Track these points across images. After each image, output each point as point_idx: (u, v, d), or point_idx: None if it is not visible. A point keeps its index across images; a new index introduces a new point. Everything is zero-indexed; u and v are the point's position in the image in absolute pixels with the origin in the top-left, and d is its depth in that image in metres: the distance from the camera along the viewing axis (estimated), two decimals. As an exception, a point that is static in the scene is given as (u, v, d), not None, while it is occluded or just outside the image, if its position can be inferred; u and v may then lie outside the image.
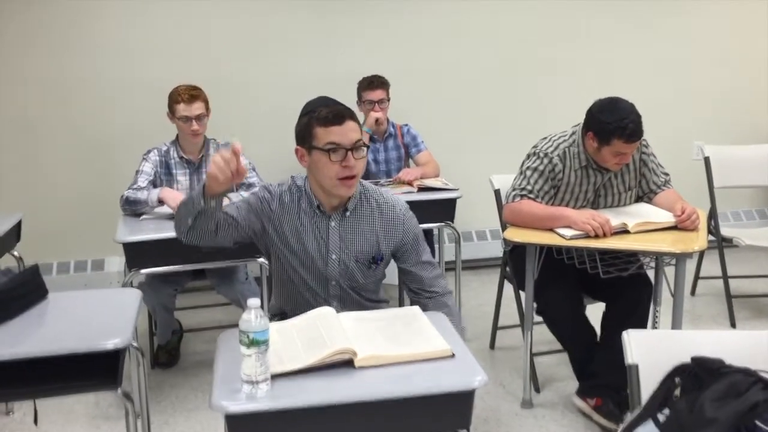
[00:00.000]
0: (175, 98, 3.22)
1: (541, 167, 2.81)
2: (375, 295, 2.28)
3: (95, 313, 2.07)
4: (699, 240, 2.60)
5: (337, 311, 1.99)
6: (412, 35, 4.44)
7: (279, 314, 2.30)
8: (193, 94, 3.21)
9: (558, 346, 3.00)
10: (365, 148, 2.06)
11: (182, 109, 3.19)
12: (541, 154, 2.83)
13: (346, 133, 2.01)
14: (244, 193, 3.25)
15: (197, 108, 3.20)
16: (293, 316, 2.10)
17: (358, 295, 2.21)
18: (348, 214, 2.15)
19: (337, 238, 2.15)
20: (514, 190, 2.85)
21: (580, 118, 2.88)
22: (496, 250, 4.31)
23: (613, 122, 2.66)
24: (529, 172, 2.83)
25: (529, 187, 2.80)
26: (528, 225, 2.77)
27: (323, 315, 1.86)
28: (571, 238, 2.63)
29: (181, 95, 3.20)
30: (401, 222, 2.20)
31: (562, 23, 4.68)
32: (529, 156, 2.90)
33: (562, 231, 2.67)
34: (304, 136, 2.06)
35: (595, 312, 2.99)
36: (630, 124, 2.65)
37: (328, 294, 2.18)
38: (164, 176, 3.27)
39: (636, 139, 2.69)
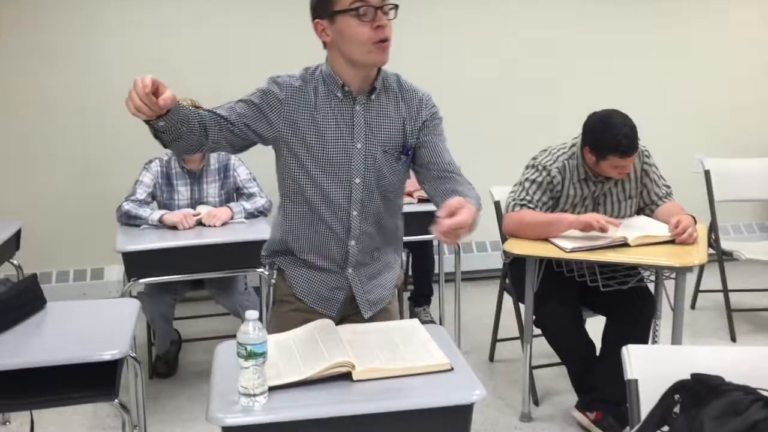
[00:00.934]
0: None
1: (539, 179, 2.81)
2: (396, 201, 2.01)
3: (93, 323, 2.07)
4: (699, 254, 2.59)
5: (356, 225, 1.91)
6: (412, 48, 4.43)
7: (282, 252, 2.00)
8: None
9: (557, 359, 2.99)
10: (394, 10, 1.77)
11: None
12: (540, 167, 2.83)
13: None
14: (245, 204, 3.27)
15: None
16: (300, 253, 1.96)
17: (382, 199, 1.93)
18: (374, 96, 1.88)
19: (362, 122, 1.87)
20: (513, 201, 2.84)
21: (580, 131, 2.88)
22: (496, 261, 4.30)
23: (607, 138, 2.67)
24: (527, 184, 2.83)
25: (528, 198, 2.80)
26: (529, 234, 2.76)
27: (322, 327, 1.85)
28: (572, 250, 2.63)
29: None
30: (425, 106, 1.96)
31: (563, 38, 4.70)
32: (528, 167, 2.90)
33: (562, 243, 2.67)
34: (323, 6, 1.77)
35: (595, 325, 2.98)
36: (623, 140, 2.65)
37: (349, 200, 1.89)
38: (165, 186, 3.26)
39: (631, 153, 2.69)
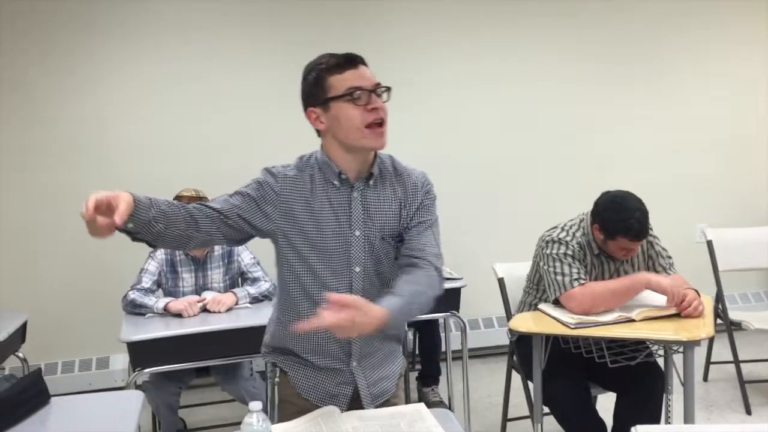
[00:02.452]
0: None
1: (569, 252, 2.79)
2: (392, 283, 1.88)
3: (96, 418, 2.04)
4: (705, 327, 2.57)
5: None
6: (415, 124, 4.54)
7: (281, 350, 1.95)
8: None
9: (570, 438, 2.94)
10: (387, 92, 1.78)
11: None
12: (563, 242, 2.81)
13: (364, 75, 1.76)
14: (249, 289, 3.27)
15: None
16: (301, 353, 1.91)
17: (381, 286, 1.87)
18: (371, 182, 1.86)
19: (360, 209, 1.84)
20: (563, 276, 2.75)
21: (583, 205, 2.91)
22: (503, 337, 4.26)
23: (618, 221, 2.68)
24: (563, 258, 2.78)
25: (576, 273, 2.74)
26: (606, 303, 2.67)
27: (327, 415, 1.83)
28: (576, 326, 2.61)
29: None
30: (421, 188, 1.92)
31: (564, 111, 4.80)
32: (549, 243, 2.84)
33: (565, 319, 2.65)
34: (315, 93, 1.77)
35: (608, 401, 2.93)
36: (635, 224, 2.66)
37: (350, 290, 1.84)
38: (170, 274, 3.29)
39: (642, 237, 2.70)
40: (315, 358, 1.93)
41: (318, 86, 1.77)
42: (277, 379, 1.98)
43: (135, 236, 1.65)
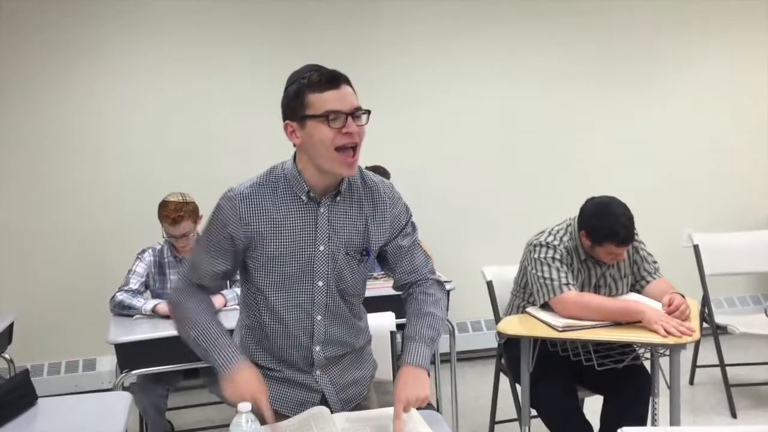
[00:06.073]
0: (161, 215, 3.20)
1: (557, 256, 2.80)
2: (358, 301, 2.00)
3: (84, 419, 2.04)
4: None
5: (320, 330, 1.89)
6: (408, 127, 4.55)
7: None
8: (179, 216, 3.16)
9: (557, 441, 2.95)
10: (366, 115, 1.77)
11: (167, 228, 3.20)
12: (550, 245, 2.82)
13: (344, 97, 1.73)
14: (238, 290, 3.26)
15: (182, 228, 3.18)
16: (265, 363, 1.93)
17: (343, 301, 1.92)
18: (339, 199, 1.86)
19: (326, 226, 1.84)
20: (551, 281, 2.76)
21: (572, 209, 2.92)
22: (491, 340, 4.29)
23: (604, 227, 2.70)
24: (551, 262, 2.79)
25: (564, 278, 2.76)
26: (594, 317, 2.66)
27: (317, 415, 1.84)
28: (563, 329, 2.62)
29: (167, 215, 3.17)
30: (390, 206, 1.94)
31: (556, 115, 4.83)
32: (536, 247, 2.85)
33: (554, 322, 2.67)
34: (294, 108, 1.76)
35: (596, 404, 2.95)
36: (621, 230, 2.69)
37: (312, 304, 1.87)
38: (157, 276, 3.28)
39: (628, 243, 2.73)
40: (279, 367, 1.94)
41: (297, 101, 1.75)
42: None
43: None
